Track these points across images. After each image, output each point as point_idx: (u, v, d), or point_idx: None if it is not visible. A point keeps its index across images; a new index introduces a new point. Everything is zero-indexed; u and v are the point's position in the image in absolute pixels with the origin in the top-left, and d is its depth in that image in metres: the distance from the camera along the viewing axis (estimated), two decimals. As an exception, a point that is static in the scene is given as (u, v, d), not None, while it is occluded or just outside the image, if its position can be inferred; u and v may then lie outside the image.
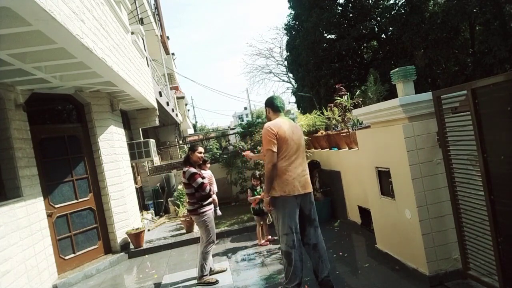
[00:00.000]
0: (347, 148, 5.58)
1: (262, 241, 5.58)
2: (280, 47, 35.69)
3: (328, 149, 6.30)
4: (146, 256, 6.16)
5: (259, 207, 5.58)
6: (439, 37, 15.52)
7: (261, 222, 5.65)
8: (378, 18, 18.33)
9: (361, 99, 6.08)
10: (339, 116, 6.18)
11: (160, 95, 10.42)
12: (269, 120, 3.69)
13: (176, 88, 22.39)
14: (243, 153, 4.63)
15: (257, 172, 5.81)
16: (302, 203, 3.51)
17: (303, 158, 3.57)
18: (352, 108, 5.76)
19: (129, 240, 6.30)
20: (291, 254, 3.39)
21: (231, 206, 8.93)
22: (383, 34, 18.68)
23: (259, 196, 5.50)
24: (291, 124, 3.59)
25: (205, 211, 4.45)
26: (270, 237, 5.66)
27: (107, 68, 4.53)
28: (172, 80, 21.04)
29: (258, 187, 5.67)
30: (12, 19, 2.96)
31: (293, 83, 25.66)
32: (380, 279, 3.74)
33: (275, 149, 3.37)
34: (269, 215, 5.66)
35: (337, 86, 6.70)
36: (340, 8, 18.91)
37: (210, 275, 4.49)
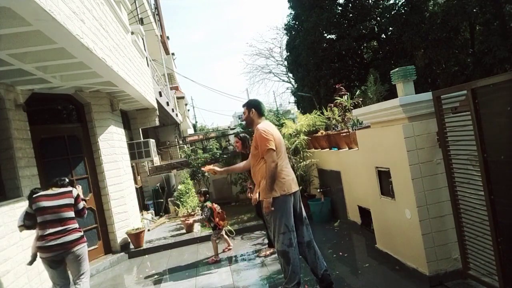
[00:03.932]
0: (347, 148, 5.58)
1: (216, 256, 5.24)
2: (280, 47, 35.72)
3: (328, 149, 6.30)
4: (146, 256, 6.15)
5: (210, 226, 5.45)
6: (439, 37, 15.51)
7: (218, 236, 5.35)
8: (378, 18, 18.31)
9: (361, 99, 6.08)
10: (339, 116, 6.17)
11: (160, 95, 10.43)
12: (250, 121, 3.71)
13: (176, 88, 22.41)
14: (203, 168, 4.32)
15: (202, 189, 5.57)
16: (295, 200, 3.52)
17: (288, 158, 3.72)
18: (352, 108, 5.76)
19: (129, 240, 6.30)
20: (289, 252, 3.38)
21: (231, 206, 8.93)
22: (383, 34, 18.66)
23: (191, 219, 5.35)
24: (274, 127, 3.67)
25: None
26: (217, 258, 5.20)
27: (107, 68, 4.53)
28: (172, 80, 21.05)
29: (207, 203, 5.36)
30: (12, 19, 2.96)
31: (293, 83, 25.66)
32: (380, 279, 3.74)
33: (275, 148, 3.39)
34: (226, 231, 5.54)
35: (337, 86, 6.69)
36: (340, 8, 18.90)
37: None
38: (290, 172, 3.54)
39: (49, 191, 3.72)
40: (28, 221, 3.63)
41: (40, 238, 3.53)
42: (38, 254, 3.57)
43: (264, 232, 6.10)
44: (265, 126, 3.52)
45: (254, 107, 3.70)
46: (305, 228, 3.57)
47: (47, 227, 3.53)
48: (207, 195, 5.50)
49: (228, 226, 5.70)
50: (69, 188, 3.79)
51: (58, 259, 3.54)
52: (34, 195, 3.65)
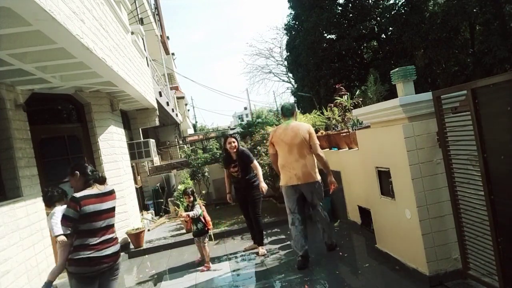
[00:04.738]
0: (347, 148, 5.58)
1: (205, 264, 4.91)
2: (280, 47, 35.76)
3: (328, 149, 6.30)
4: (146, 256, 6.15)
5: (197, 228, 4.90)
6: (439, 37, 15.52)
7: (200, 244, 4.98)
8: (378, 18, 18.33)
9: (361, 99, 6.08)
10: (339, 116, 6.17)
11: (160, 95, 10.43)
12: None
13: (176, 88, 22.43)
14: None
15: (189, 189, 5.11)
16: (304, 191, 4.34)
17: (301, 155, 4.27)
18: (352, 108, 5.76)
19: (129, 240, 6.30)
20: (292, 230, 4.40)
21: (230, 206, 8.92)
22: (383, 34, 18.69)
23: (190, 213, 4.83)
24: (286, 127, 4.37)
25: None
26: (210, 265, 4.91)
27: (107, 68, 4.53)
28: (172, 80, 21.06)
29: (195, 204, 4.97)
30: (12, 19, 2.96)
31: (293, 83, 25.67)
32: (380, 279, 3.74)
33: (271, 151, 4.54)
34: (210, 235, 5.12)
35: (337, 86, 6.69)
36: (340, 8, 18.92)
37: None
38: (293, 168, 4.27)
39: (95, 190, 2.82)
40: (72, 229, 2.76)
41: (85, 248, 2.71)
42: (77, 269, 2.77)
43: (265, 232, 6.10)
44: (272, 130, 4.62)
45: (281, 112, 4.67)
46: (315, 211, 4.47)
47: (96, 235, 2.77)
48: (195, 194, 5.19)
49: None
50: (112, 187, 3.03)
51: (98, 274, 2.80)
52: (81, 195, 2.72)
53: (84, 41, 3.59)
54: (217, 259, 5.24)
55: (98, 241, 2.78)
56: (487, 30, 15.16)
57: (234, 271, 4.70)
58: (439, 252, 3.34)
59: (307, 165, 4.26)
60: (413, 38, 15.88)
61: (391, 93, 5.02)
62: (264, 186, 5.10)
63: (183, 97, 23.62)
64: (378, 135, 3.94)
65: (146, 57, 8.71)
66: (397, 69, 3.59)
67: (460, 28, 16.15)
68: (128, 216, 6.44)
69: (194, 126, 37.28)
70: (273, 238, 5.76)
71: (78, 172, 2.82)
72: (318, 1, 17.75)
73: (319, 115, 6.84)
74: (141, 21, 9.60)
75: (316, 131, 6.85)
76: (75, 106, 6.13)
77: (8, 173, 4.65)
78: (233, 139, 5.23)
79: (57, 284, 4.97)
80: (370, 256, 4.38)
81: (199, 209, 4.94)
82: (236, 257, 5.24)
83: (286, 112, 4.52)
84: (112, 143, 6.39)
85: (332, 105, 6.34)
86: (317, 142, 4.39)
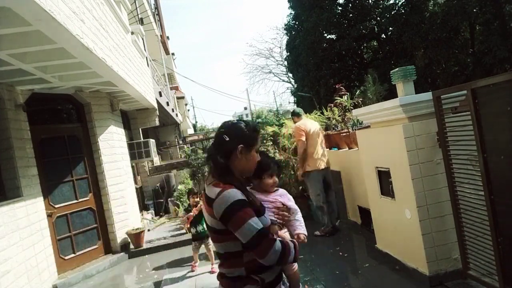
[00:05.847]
0: (347, 148, 5.58)
1: (196, 265, 4.91)
2: (280, 47, 35.76)
3: (328, 149, 6.30)
4: (146, 256, 6.15)
5: (196, 231, 4.76)
6: (439, 37, 15.52)
7: (199, 247, 4.90)
8: (378, 18, 18.33)
9: (361, 99, 6.08)
10: (339, 116, 6.18)
11: (160, 95, 10.42)
12: (295, 123, 5.54)
13: (176, 88, 22.41)
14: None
15: (196, 189, 4.91)
16: (326, 173, 5.35)
17: (322, 145, 5.35)
18: (352, 108, 5.76)
19: (129, 240, 6.30)
20: (324, 207, 5.30)
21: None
22: (383, 34, 18.69)
23: (191, 214, 4.71)
24: (311, 123, 5.43)
25: None
26: (215, 267, 4.63)
27: (107, 68, 4.53)
28: (172, 80, 21.04)
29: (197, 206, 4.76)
30: (12, 19, 2.96)
31: (293, 83, 25.67)
32: (380, 279, 3.74)
33: (304, 139, 5.22)
34: (210, 240, 4.67)
35: (337, 86, 6.69)
36: (340, 8, 18.92)
37: None
38: (321, 155, 5.27)
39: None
40: None
41: None
42: None
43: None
44: (300, 123, 5.37)
45: (292, 115, 5.81)
46: (330, 192, 5.44)
47: None
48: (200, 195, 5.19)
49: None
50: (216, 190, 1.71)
51: None
52: None
53: (84, 41, 3.59)
54: (217, 259, 5.23)
55: None
56: (487, 30, 15.16)
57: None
58: (439, 252, 3.34)
59: (326, 153, 5.44)
60: (413, 38, 15.88)
61: (391, 93, 5.03)
62: None
63: (183, 97, 23.61)
64: (378, 135, 3.94)
65: (146, 57, 8.71)
66: (397, 69, 3.59)
67: (460, 28, 16.15)
68: (128, 216, 6.44)
69: (194, 126, 37.29)
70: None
71: None
72: (318, 1, 17.74)
73: (319, 115, 6.84)
74: (141, 21, 9.58)
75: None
76: (75, 106, 6.13)
77: (8, 173, 4.65)
78: None
79: (58, 284, 4.97)
80: (370, 256, 4.38)
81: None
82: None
83: (300, 113, 5.66)
84: (112, 143, 6.39)
85: (332, 105, 6.34)
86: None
